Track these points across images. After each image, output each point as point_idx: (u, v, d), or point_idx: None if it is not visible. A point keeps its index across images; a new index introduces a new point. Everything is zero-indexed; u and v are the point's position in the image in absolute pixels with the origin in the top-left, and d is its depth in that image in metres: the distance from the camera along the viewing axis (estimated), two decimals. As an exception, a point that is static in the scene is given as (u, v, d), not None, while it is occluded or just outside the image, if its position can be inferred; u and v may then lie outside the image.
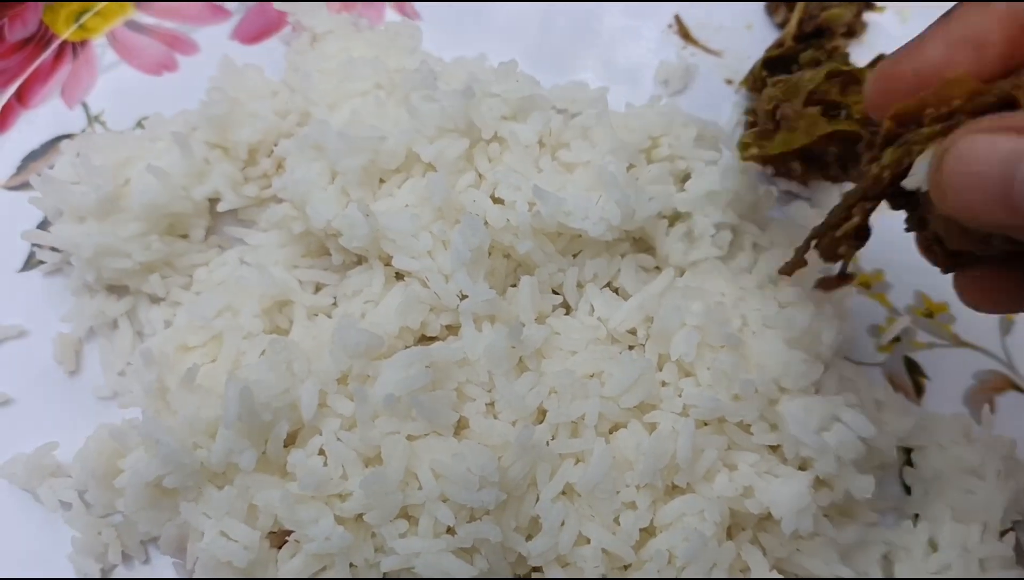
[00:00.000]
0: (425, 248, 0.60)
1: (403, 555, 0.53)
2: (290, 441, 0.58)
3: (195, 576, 0.57)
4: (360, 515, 0.54)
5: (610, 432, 0.58)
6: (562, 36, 0.86)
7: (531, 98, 0.64)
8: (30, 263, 0.71)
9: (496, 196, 0.62)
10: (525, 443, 0.55)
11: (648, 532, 0.57)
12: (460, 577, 0.53)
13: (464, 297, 0.59)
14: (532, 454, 0.55)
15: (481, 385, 0.59)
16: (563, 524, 0.55)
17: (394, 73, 0.70)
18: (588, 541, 0.55)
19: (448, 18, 0.86)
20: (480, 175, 0.64)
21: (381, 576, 0.55)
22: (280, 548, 0.56)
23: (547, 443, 0.57)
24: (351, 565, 0.54)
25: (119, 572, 0.62)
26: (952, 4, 0.46)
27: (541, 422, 0.58)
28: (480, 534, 0.53)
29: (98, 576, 0.61)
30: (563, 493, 0.56)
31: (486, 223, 0.60)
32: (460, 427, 0.58)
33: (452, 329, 0.63)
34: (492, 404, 0.59)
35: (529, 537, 0.56)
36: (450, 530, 0.54)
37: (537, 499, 0.56)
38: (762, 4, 0.86)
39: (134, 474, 0.57)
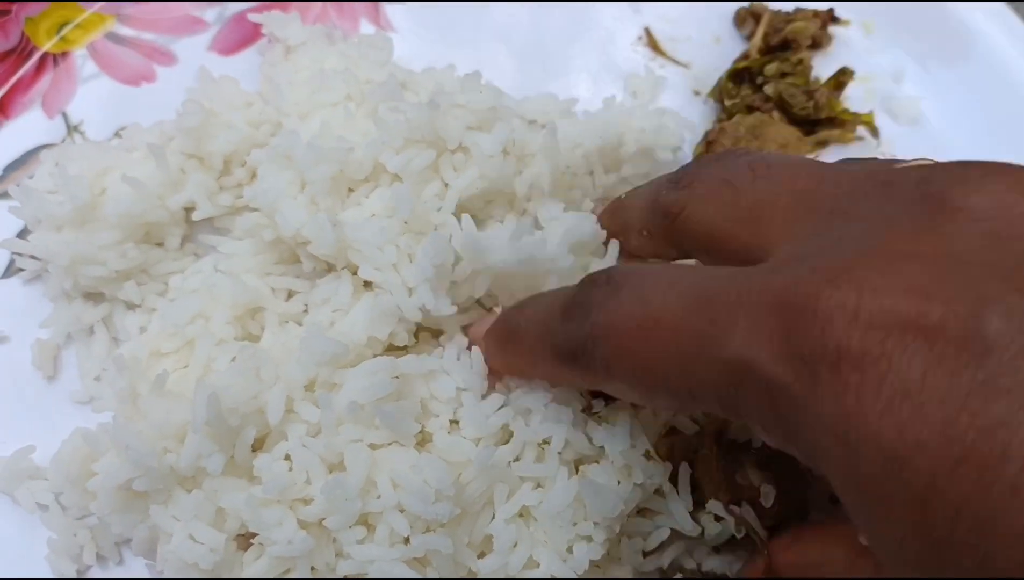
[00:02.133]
0: (390, 260, 0.61)
1: (358, 561, 0.54)
2: (258, 446, 0.59)
3: (164, 577, 0.59)
4: (322, 520, 0.55)
5: (580, 464, 0.59)
6: (556, 39, 0.88)
7: (495, 109, 0.66)
8: (10, 271, 0.73)
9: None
10: (485, 462, 0.56)
11: (597, 566, 0.58)
12: None
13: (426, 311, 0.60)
14: (491, 473, 0.56)
15: (448, 401, 0.60)
16: (515, 546, 0.56)
17: (364, 85, 0.71)
18: (538, 565, 0.56)
19: (442, 21, 0.88)
20: (446, 185, 0.65)
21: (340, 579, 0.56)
22: (246, 551, 0.57)
23: (509, 464, 0.57)
24: (312, 568, 0.55)
25: (94, 572, 0.64)
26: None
27: (507, 442, 0.59)
28: (432, 546, 0.54)
29: (74, 576, 0.63)
30: (520, 515, 0.57)
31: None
32: (425, 440, 0.60)
33: (421, 338, 0.65)
34: (456, 421, 0.60)
35: (482, 555, 0.57)
36: (407, 540, 0.55)
37: (493, 518, 0.57)
38: (730, 15, 0.88)
39: (105, 477, 0.58)
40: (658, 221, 0.53)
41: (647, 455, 0.57)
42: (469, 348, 0.61)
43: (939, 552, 0.32)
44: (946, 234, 0.36)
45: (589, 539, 0.56)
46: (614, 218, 0.62)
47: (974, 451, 0.31)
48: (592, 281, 0.48)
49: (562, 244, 0.61)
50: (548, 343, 0.51)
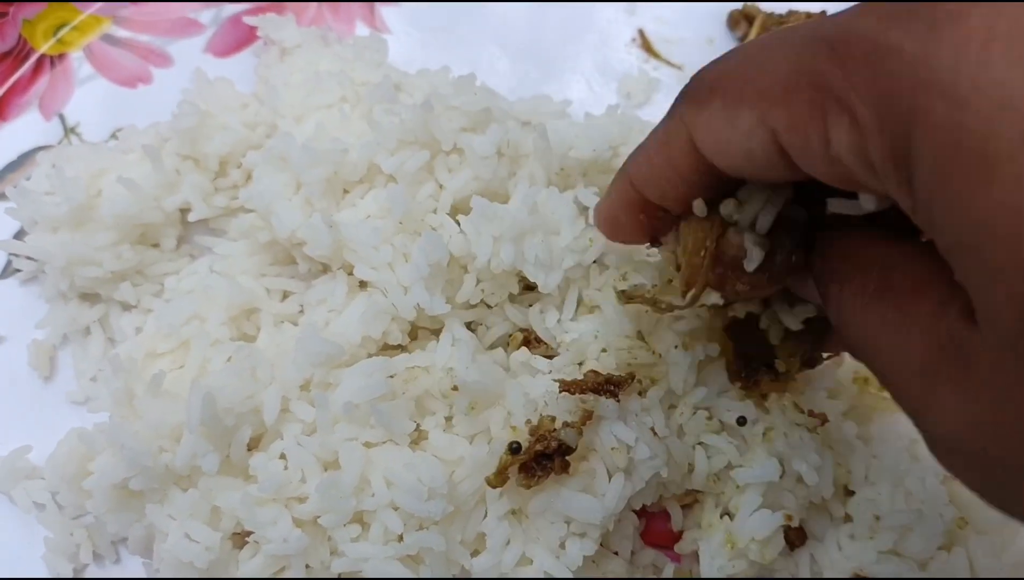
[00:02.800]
0: (385, 260, 0.61)
1: (352, 558, 0.55)
2: (253, 445, 0.60)
3: (161, 576, 0.59)
4: (317, 518, 0.56)
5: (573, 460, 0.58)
6: (551, 41, 0.88)
7: (488, 110, 0.66)
8: (7, 272, 0.73)
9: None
10: (478, 460, 0.57)
11: (593, 561, 0.59)
12: None
13: (421, 310, 0.61)
14: (484, 471, 0.56)
15: (442, 399, 0.60)
16: (508, 543, 0.57)
17: (359, 86, 0.72)
18: (531, 562, 0.57)
19: (438, 22, 0.88)
20: (440, 186, 0.66)
21: (335, 578, 0.56)
22: (242, 549, 0.58)
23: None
24: (307, 567, 0.56)
25: (91, 571, 0.64)
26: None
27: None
28: (425, 543, 0.55)
29: (71, 575, 0.63)
30: (512, 513, 0.58)
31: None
32: (420, 438, 0.60)
33: (415, 337, 0.65)
34: (451, 419, 0.61)
35: (476, 553, 0.58)
36: (400, 538, 0.56)
37: (485, 516, 0.58)
38: (723, 17, 0.88)
39: (101, 476, 0.59)
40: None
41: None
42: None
43: None
44: None
45: (583, 535, 0.57)
46: (625, 196, 0.52)
47: None
48: None
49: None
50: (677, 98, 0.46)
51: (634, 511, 0.62)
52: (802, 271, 0.48)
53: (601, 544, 0.59)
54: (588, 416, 0.57)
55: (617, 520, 0.60)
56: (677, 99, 0.46)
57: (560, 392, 0.57)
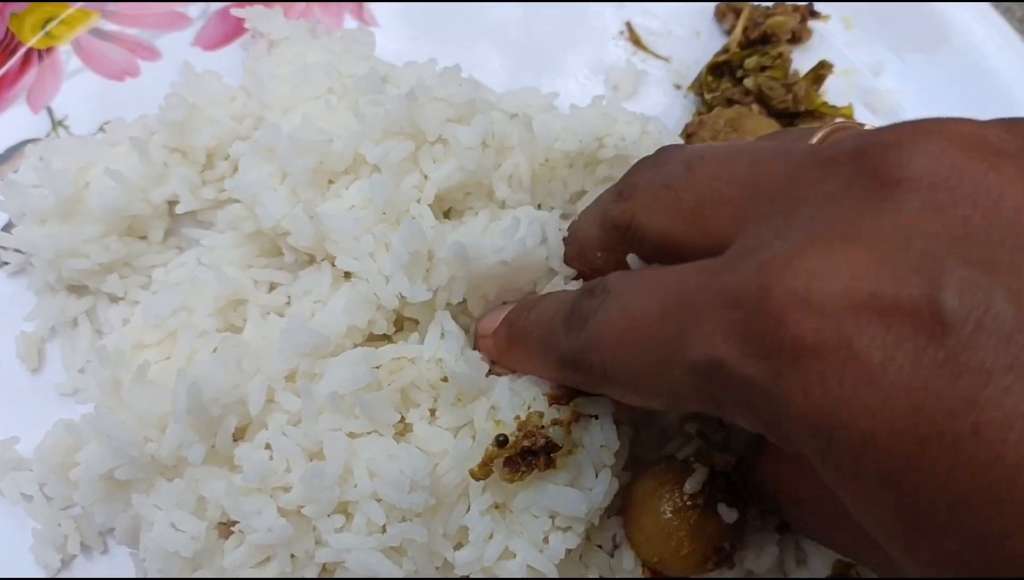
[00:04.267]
0: (367, 249, 0.62)
1: (335, 549, 0.55)
2: (239, 435, 0.60)
3: (147, 565, 0.59)
4: (301, 508, 0.56)
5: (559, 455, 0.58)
6: (540, 34, 0.88)
7: (474, 102, 0.66)
8: (-5, 264, 0.73)
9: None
10: (462, 453, 0.57)
11: (580, 557, 0.59)
12: (386, 577, 0.55)
13: (403, 298, 0.61)
14: (467, 464, 0.56)
15: (429, 390, 0.61)
16: (491, 537, 0.57)
17: (346, 79, 0.72)
18: (514, 556, 0.57)
19: (428, 17, 0.88)
20: (425, 176, 0.66)
21: (319, 569, 0.57)
22: (227, 539, 0.58)
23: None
24: (292, 556, 0.56)
25: (79, 562, 0.65)
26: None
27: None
28: (407, 534, 0.55)
29: (59, 566, 0.64)
30: (496, 507, 0.58)
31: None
32: (406, 430, 0.60)
33: (401, 328, 0.65)
34: (435, 410, 0.61)
35: (459, 546, 0.58)
36: (383, 529, 0.56)
37: (468, 509, 0.58)
38: (711, 11, 0.89)
39: (88, 467, 0.59)
40: (611, 237, 0.54)
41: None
42: (474, 345, 0.63)
43: (923, 532, 0.32)
44: (889, 210, 0.35)
45: (567, 529, 0.57)
46: (570, 247, 0.62)
47: (945, 431, 0.31)
48: (590, 290, 0.50)
49: (534, 234, 0.62)
50: (552, 351, 0.53)
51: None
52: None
53: (588, 538, 0.60)
54: (575, 418, 0.57)
55: (603, 516, 0.60)
56: (567, 367, 0.53)
57: (550, 405, 0.57)
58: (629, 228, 0.50)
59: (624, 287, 0.47)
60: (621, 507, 0.60)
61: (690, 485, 0.55)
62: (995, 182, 0.34)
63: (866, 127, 0.50)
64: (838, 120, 0.46)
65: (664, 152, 0.51)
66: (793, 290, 0.34)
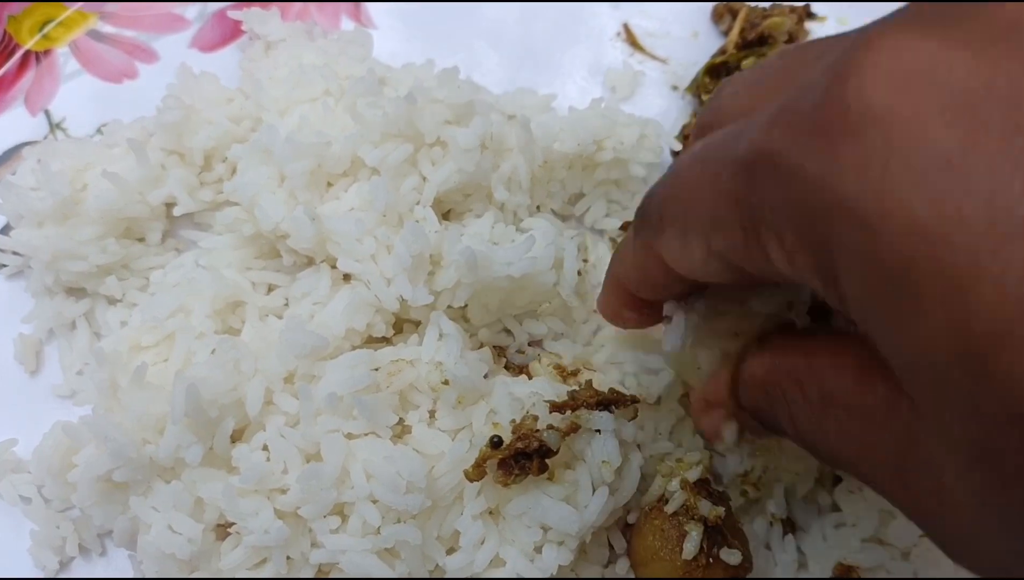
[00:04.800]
0: (368, 252, 0.62)
1: (331, 550, 0.55)
2: (237, 437, 0.60)
3: (144, 567, 0.59)
4: (297, 509, 0.56)
5: (556, 468, 0.58)
6: (537, 35, 0.88)
7: (472, 103, 0.66)
8: (-7, 266, 0.73)
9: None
10: (458, 455, 0.57)
11: (572, 570, 0.59)
12: (380, 578, 0.55)
13: (404, 301, 0.61)
14: (464, 467, 0.56)
15: (429, 392, 0.61)
16: (482, 543, 0.57)
17: (343, 80, 0.72)
18: (504, 563, 0.57)
19: (425, 18, 0.88)
20: (424, 178, 0.66)
21: (314, 571, 0.57)
22: (224, 540, 0.58)
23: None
24: (288, 558, 0.56)
25: (77, 564, 0.64)
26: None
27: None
28: (401, 536, 0.55)
29: (57, 568, 0.63)
30: (489, 513, 0.58)
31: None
32: (403, 432, 0.60)
33: (400, 330, 0.65)
34: (434, 412, 0.61)
35: (451, 550, 0.58)
36: (378, 531, 0.56)
37: (462, 514, 0.58)
38: (708, 12, 0.89)
39: (86, 469, 0.59)
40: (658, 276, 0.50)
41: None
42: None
43: (978, 358, 0.27)
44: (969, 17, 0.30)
45: (559, 543, 0.57)
46: (621, 295, 0.57)
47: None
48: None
49: (547, 257, 0.63)
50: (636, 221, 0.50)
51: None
52: None
53: (583, 551, 0.60)
54: (574, 428, 0.57)
55: (595, 533, 0.60)
56: (637, 220, 0.48)
57: (550, 412, 0.57)
58: (719, 109, 0.47)
59: (674, 167, 0.46)
60: (627, 552, 0.61)
61: (688, 548, 0.56)
62: None
63: None
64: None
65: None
66: (869, 58, 0.30)
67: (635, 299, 0.54)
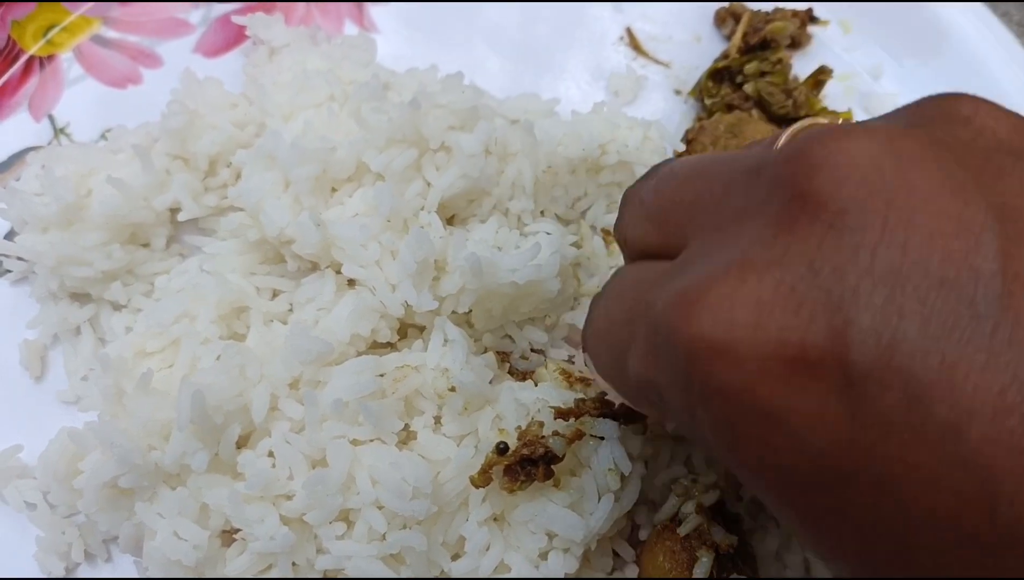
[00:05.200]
0: (373, 257, 0.62)
1: (336, 556, 0.55)
2: (242, 443, 0.60)
3: (149, 574, 0.59)
4: (303, 515, 0.56)
5: (562, 475, 0.59)
6: (540, 39, 0.88)
7: (476, 109, 0.67)
8: (-2, 272, 0.74)
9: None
10: (464, 461, 0.57)
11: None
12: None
13: (409, 307, 0.61)
14: (469, 473, 0.57)
15: (435, 398, 0.61)
16: (487, 549, 0.57)
17: (347, 85, 0.72)
18: (509, 569, 0.57)
19: (428, 22, 0.89)
20: (428, 184, 0.66)
21: (320, 577, 0.57)
22: (229, 547, 0.58)
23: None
24: (293, 564, 0.56)
25: (83, 570, 0.64)
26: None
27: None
28: (407, 542, 0.55)
29: (63, 574, 0.64)
30: (494, 519, 0.58)
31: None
32: (409, 438, 0.60)
33: (404, 336, 0.66)
34: (439, 418, 0.61)
35: (456, 556, 0.58)
36: (384, 537, 0.56)
37: (468, 519, 0.58)
38: (711, 16, 0.89)
39: (91, 475, 0.59)
40: (620, 246, 0.56)
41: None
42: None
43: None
44: (799, 234, 0.35)
45: (565, 550, 0.57)
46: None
47: (848, 478, 0.33)
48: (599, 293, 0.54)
49: (552, 265, 0.63)
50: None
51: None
52: None
53: (587, 559, 0.60)
54: (579, 435, 0.57)
55: (600, 541, 0.60)
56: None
57: (555, 418, 0.57)
58: (625, 242, 0.52)
59: (609, 288, 0.50)
60: (637, 563, 0.62)
61: (698, 573, 0.56)
62: (905, 202, 0.33)
63: (839, 120, 0.49)
64: (805, 121, 0.47)
65: (653, 169, 0.52)
66: (700, 333, 0.35)
67: None
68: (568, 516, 0.56)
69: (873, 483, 0.32)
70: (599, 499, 0.57)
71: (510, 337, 0.67)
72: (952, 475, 0.31)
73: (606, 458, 0.57)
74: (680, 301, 0.36)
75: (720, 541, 0.57)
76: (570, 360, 0.68)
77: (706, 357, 0.35)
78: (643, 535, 0.62)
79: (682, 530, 0.58)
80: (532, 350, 0.67)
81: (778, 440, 0.34)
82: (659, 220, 0.47)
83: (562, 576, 0.56)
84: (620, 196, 0.74)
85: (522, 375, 0.65)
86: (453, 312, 0.63)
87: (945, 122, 0.38)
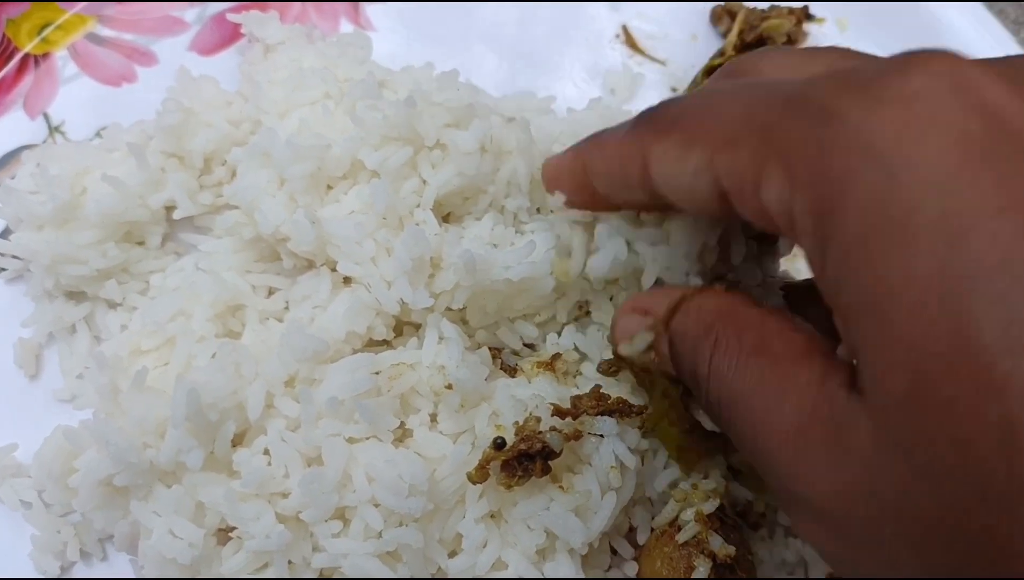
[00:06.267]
0: (369, 255, 0.62)
1: (332, 554, 0.55)
2: (238, 441, 0.60)
3: (145, 573, 0.59)
4: (299, 513, 0.56)
5: (561, 472, 0.59)
6: (536, 37, 0.88)
7: (472, 106, 0.66)
8: (-8, 270, 0.73)
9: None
10: (459, 459, 0.57)
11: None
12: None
13: (405, 304, 0.61)
14: (466, 470, 0.56)
15: (432, 396, 0.61)
16: (484, 546, 0.57)
17: (343, 83, 0.72)
18: (506, 566, 0.57)
19: (424, 20, 0.89)
20: (424, 181, 0.66)
21: (316, 575, 0.57)
22: (225, 545, 0.58)
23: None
24: (289, 563, 0.56)
25: (78, 568, 0.64)
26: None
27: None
28: (403, 539, 0.55)
29: (58, 573, 0.63)
30: (491, 516, 0.58)
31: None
32: (405, 436, 0.60)
33: (400, 333, 0.65)
34: (435, 416, 0.61)
35: (453, 553, 0.58)
36: (380, 535, 0.56)
37: (464, 516, 0.58)
38: (707, 14, 0.89)
39: (87, 473, 0.59)
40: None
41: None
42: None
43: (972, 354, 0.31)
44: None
45: (566, 551, 0.57)
46: (574, 170, 0.56)
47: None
48: None
49: (545, 262, 0.62)
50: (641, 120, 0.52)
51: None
52: None
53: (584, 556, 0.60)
54: (577, 435, 0.57)
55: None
56: (641, 119, 0.48)
57: (552, 416, 0.57)
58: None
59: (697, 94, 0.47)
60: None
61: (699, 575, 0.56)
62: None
63: None
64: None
65: (644, 113, 0.49)
66: (930, 61, 0.35)
67: (586, 185, 0.53)
68: (569, 519, 0.56)
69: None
70: (602, 496, 0.57)
71: (504, 332, 0.67)
72: (981, 406, 0.30)
73: (608, 456, 0.57)
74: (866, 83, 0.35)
75: (718, 551, 0.57)
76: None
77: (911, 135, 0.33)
78: (640, 535, 0.61)
79: (680, 537, 0.58)
80: (524, 345, 0.67)
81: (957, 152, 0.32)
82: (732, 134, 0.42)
83: (563, 577, 0.56)
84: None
85: (511, 371, 0.65)
86: (448, 309, 0.63)
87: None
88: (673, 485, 0.61)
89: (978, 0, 0.86)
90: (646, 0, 0.89)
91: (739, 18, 0.84)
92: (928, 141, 0.33)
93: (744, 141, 0.39)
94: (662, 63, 0.86)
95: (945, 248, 0.31)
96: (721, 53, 0.84)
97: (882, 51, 0.84)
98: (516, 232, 0.67)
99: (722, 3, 0.87)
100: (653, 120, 0.46)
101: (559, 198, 0.55)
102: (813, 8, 0.87)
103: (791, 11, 0.86)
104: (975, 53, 0.81)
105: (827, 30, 0.88)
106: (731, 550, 0.57)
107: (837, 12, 0.88)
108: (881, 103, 0.34)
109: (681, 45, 0.88)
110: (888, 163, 0.33)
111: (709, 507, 0.59)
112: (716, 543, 0.57)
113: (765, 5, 0.86)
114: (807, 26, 0.87)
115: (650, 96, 0.85)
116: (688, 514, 0.59)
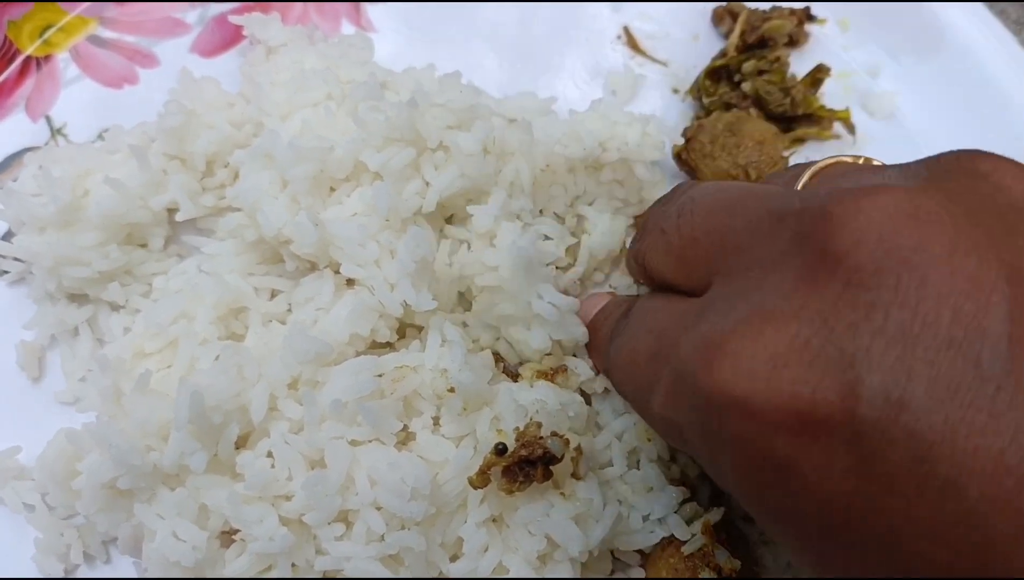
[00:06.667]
0: (372, 257, 0.62)
1: (335, 557, 0.55)
2: (241, 443, 0.60)
3: (149, 575, 0.59)
4: (302, 516, 0.56)
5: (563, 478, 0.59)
6: (537, 38, 0.88)
7: (474, 108, 0.66)
8: (-6, 273, 0.73)
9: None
10: (462, 463, 0.57)
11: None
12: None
13: (408, 306, 0.61)
14: (468, 474, 0.57)
15: (435, 399, 0.61)
16: (486, 550, 0.57)
17: (345, 84, 0.72)
18: (507, 571, 0.57)
19: (425, 20, 0.88)
20: (426, 183, 0.66)
21: (319, 578, 0.57)
22: (228, 548, 0.58)
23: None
24: (293, 565, 0.56)
25: (82, 571, 0.64)
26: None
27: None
28: (405, 542, 0.55)
29: (61, 575, 0.63)
30: (493, 520, 0.58)
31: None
32: (408, 439, 0.60)
33: (403, 335, 0.65)
34: (438, 419, 0.61)
35: (455, 557, 0.58)
36: (383, 538, 0.56)
37: (466, 521, 0.58)
38: (708, 14, 0.89)
39: (90, 476, 0.59)
40: (638, 269, 0.58)
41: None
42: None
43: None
44: (818, 287, 0.36)
45: (566, 559, 0.57)
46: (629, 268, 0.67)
47: (871, 531, 0.34)
48: (626, 310, 0.57)
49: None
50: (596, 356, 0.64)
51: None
52: None
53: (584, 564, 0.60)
54: (578, 452, 0.58)
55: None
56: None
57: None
58: (644, 265, 0.54)
59: (635, 318, 0.52)
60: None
61: None
62: (920, 262, 0.34)
63: (860, 160, 0.50)
64: (829, 159, 0.49)
65: (672, 192, 0.54)
66: (720, 384, 0.37)
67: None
68: (570, 527, 0.56)
69: (878, 532, 0.34)
70: (604, 506, 0.57)
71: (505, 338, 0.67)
72: (950, 531, 0.32)
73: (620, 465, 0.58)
74: (702, 350, 0.39)
75: (723, 564, 0.57)
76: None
77: (724, 408, 0.37)
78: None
79: (686, 549, 0.58)
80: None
81: (790, 488, 0.36)
82: (682, 256, 0.48)
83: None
84: (621, 194, 0.75)
85: (513, 376, 0.65)
86: (451, 311, 0.63)
87: (964, 177, 0.39)
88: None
89: (980, 0, 0.86)
90: (647, 0, 0.89)
91: (741, 19, 0.84)
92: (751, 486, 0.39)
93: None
94: (664, 64, 0.86)
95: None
96: (723, 54, 0.84)
97: (883, 51, 0.84)
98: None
99: (724, 4, 0.87)
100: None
101: None
102: (815, 9, 0.87)
103: (793, 12, 0.85)
104: (976, 53, 0.82)
105: (829, 31, 0.87)
106: (736, 564, 0.57)
107: (839, 12, 0.88)
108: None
109: (683, 46, 0.87)
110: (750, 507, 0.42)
111: (715, 515, 0.59)
112: (722, 556, 0.57)
113: (767, 6, 0.86)
114: (808, 27, 0.87)
115: (652, 97, 0.85)
116: (695, 525, 0.59)
